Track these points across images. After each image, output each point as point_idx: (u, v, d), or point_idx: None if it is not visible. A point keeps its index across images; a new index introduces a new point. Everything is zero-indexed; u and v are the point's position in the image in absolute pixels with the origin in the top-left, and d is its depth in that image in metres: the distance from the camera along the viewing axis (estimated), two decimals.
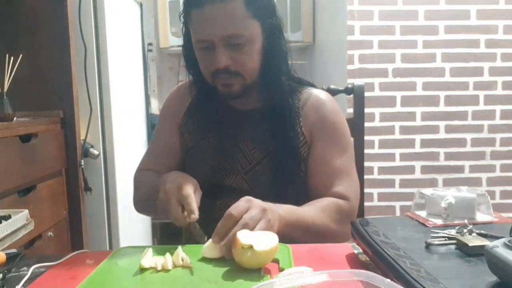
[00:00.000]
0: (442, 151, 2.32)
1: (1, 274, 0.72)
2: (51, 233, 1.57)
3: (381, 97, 2.29)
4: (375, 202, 2.31)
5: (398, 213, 2.31)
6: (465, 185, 1.00)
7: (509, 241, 0.55)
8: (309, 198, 1.02)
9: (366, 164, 1.78)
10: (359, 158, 1.25)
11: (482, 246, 0.59)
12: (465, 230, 0.70)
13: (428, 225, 0.79)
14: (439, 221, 0.80)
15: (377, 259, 0.67)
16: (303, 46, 3.01)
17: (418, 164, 2.32)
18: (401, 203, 2.31)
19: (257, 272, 0.69)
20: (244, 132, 1.06)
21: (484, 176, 2.33)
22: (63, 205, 1.70)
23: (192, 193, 0.86)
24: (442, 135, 2.31)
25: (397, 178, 2.32)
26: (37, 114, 1.66)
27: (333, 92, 1.26)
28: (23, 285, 0.69)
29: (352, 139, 1.17)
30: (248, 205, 0.81)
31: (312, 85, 1.14)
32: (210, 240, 0.78)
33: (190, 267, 0.72)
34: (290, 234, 0.87)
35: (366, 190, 2.11)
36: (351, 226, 0.81)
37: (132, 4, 2.40)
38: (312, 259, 0.76)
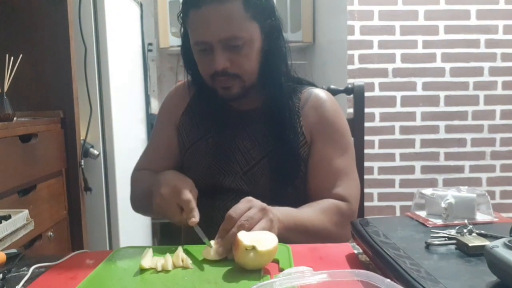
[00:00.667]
0: (442, 151, 2.32)
1: (1, 274, 0.72)
2: (51, 233, 1.57)
3: (381, 97, 2.29)
4: (375, 202, 2.31)
5: (398, 213, 2.31)
6: (465, 185, 1.00)
7: (509, 241, 0.55)
8: (309, 198, 1.02)
9: (366, 164, 1.78)
10: (359, 158, 1.25)
11: (482, 246, 0.59)
12: (465, 230, 0.70)
13: (428, 225, 0.79)
14: (439, 221, 0.80)
15: (377, 259, 0.67)
16: (303, 46, 3.01)
17: (418, 164, 2.32)
18: (401, 203, 2.31)
19: (257, 272, 0.69)
20: (243, 132, 1.06)
21: (484, 176, 2.33)
22: (63, 205, 1.70)
23: (192, 198, 0.85)
24: (442, 135, 2.31)
25: (397, 178, 2.32)
26: (37, 114, 1.66)
27: (333, 92, 1.26)
28: (23, 285, 0.69)
29: (352, 139, 1.17)
30: (249, 206, 0.81)
31: (313, 85, 1.13)
32: (211, 242, 0.78)
33: (190, 267, 0.72)
34: (289, 237, 0.86)
35: (366, 190, 2.11)
36: (351, 226, 0.80)
37: (132, 4, 2.40)
38: (312, 259, 0.76)
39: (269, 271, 0.70)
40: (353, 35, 2.25)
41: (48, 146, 1.61)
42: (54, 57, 1.70)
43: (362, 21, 2.25)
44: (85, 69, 1.83)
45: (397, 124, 2.30)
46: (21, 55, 1.54)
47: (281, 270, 0.69)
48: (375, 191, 2.30)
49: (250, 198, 0.83)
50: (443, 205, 0.80)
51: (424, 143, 2.31)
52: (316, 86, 1.13)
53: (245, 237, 0.71)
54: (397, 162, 2.31)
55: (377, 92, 2.28)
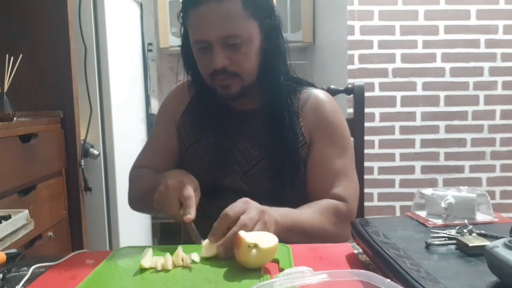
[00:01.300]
0: (442, 151, 2.32)
1: (1, 274, 0.72)
2: (51, 233, 1.57)
3: (381, 97, 2.29)
4: (375, 202, 2.31)
5: (398, 213, 2.31)
6: (465, 185, 1.00)
7: (509, 241, 0.55)
8: (308, 199, 1.02)
9: (366, 164, 1.78)
10: (359, 158, 1.25)
11: (482, 246, 0.59)
12: (465, 230, 0.70)
13: (428, 225, 0.79)
14: (439, 221, 0.80)
15: (377, 259, 0.67)
16: (303, 46, 3.01)
17: (418, 164, 2.32)
18: (401, 203, 2.32)
19: (257, 272, 0.69)
20: (243, 132, 1.06)
21: (484, 176, 2.33)
22: (63, 205, 1.70)
23: (193, 195, 0.87)
24: (442, 135, 2.32)
25: (397, 178, 2.32)
26: (37, 114, 1.66)
27: (333, 92, 1.26)
28: (23, 285, 0.69)
29: (352, 139, 1.16)
30: (245, 206, 0.81)
31: (312, 85, 1.13)
32: (207, 239, 0.78)
33: (190, 267, 0.72)
34: (286, 237, 0.86)
35: (366, 190, 2.11)
36: (351, 226, 0.80)
37: (132, 4, 2.40)
38: (312, 259, 0.76)
39: (269, 271, 0.70)
40: (353, 35, 2.25)
41: (48, 146, 1.61)
42: (54, 57, 1.70)
43: (362, 21, 2.25)
44: (85, 69, 1.83)
45: (397, 124, 2.30)
46: (21, 55, 1.54)
47: (281, 270, 0.69)
48: (375, 191, 2.30)
49: (247, 199, 0.83)
50: (443, 205, 0.80)
51: (424, 143, 2.32)
52: (316, 87, 1.13)
53: (246, 235, 0.71)
54: (397, 162, 2.31)
55: (377, 92, 2.28)
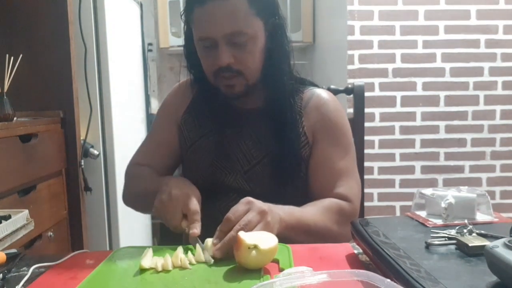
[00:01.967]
0: (442, 151, 2.32)
1: (1, 274, 0.72)
2: (51, 233, 1.57)
3: (381, 97, 2.28)
4: (375, 202, 2.31)
5: (398, 213, 2.31)
6: (465, 185, 1.00)
7: (509, 241, 0.55)
8: (311, 198, 1.02)
9: (366, 164, 1.78)
10: (359, 158, 1.25)
11: (482, 246, 0.59)
12: (465, 230, 0.70)
13: (428, 225, 0.79)
14: (439, 221, 0.80)
15: (377, 259, 0.67)
16: (303, 46, 3.01)
17: (418, 164, 2.32)
18: (401, 203, 2.31)
19: (257, 272, 0.69)
20: (245, 131, 1.06)
21: (484, 176, 2.33)
22: (63, 205, 1.70)
23: (199, 210, 0.86)
24: (442, 135, 2.31)
25: (397, 178, 2.32)
26: (37, 114, 1.66)
27: (333, 92, 1.25)
28: (23, 285, 0.69)
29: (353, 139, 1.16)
30: (248, 208, 0.81)
31: (315, 85, 1.13)
32: (209, 241, 0.78)
33: (189, 268, 0.72)
34: (291, 236, 0.87)
35: (366, 190, 2.11)
36: (351, 226, 0.80)
37: (132, 4, 2.40)
38: (312, 259, 0.76)
39: (269, 271, 0.70)
40: (353, 35, 2.25)
41: (48, 146, 1.61)
42: (54, 57, 1.70)
43: (362, 21, 2.25)
44: (85, 69, 1.83)
45: (397, 124, 2.30)
46: (21, 55, 1.54)
47: (281, 270, 0.69)
48: (375, 191, 2.30)
49: (250, 199, 0.83)
50: (443, 205, 0.80)
51: (424, 143, 2.31)
52: (318, 87, 1.13)
53: (246, 236, 0.71)
54: (397, 162, 2.31)
55: (377, 92, 2.28)
